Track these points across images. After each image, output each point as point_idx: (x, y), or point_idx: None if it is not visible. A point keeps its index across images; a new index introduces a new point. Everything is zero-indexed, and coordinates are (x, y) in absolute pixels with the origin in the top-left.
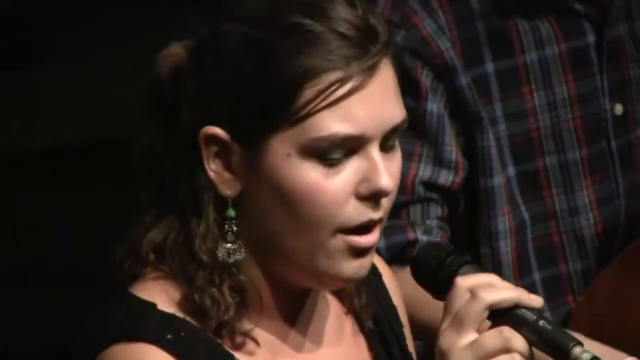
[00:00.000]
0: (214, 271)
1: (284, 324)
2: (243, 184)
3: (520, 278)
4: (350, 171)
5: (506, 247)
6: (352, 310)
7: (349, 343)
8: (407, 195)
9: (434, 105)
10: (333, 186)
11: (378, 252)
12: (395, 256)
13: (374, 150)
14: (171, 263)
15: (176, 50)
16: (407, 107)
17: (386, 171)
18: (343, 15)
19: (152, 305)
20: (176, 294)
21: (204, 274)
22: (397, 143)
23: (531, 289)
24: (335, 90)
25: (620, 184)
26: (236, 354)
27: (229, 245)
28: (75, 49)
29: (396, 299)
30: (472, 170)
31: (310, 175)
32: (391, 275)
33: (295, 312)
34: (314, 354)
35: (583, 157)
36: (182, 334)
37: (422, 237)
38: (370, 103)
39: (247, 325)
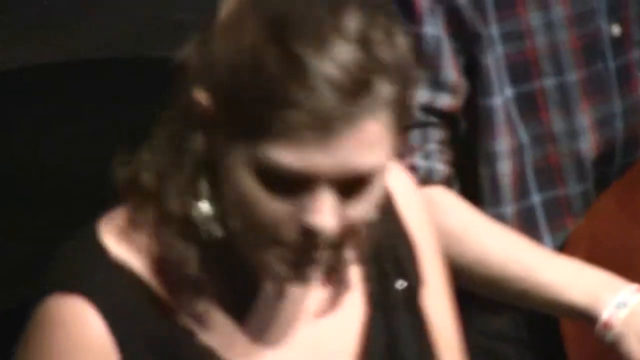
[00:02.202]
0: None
1: (251, 301)
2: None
3: (520, 200)
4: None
5: (505, 168)
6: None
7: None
8: None
9: (430, 28)
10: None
11: None
12: None
13: (324, 190)
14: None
15: None
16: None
17: (335, 214)
18: (344, 60)
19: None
20: (145, 244)
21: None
22: (370, 190)
23: (531, 212)
24: (303, 133)
25: (618, 106)
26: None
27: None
28: None
29: (414, 215)
30: (473, 89)
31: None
32: (408, 191)
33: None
34: (284, 335)
35: (581, 79)
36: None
37: (420, 162)
38: (337, 152)
39: (208, 300)
